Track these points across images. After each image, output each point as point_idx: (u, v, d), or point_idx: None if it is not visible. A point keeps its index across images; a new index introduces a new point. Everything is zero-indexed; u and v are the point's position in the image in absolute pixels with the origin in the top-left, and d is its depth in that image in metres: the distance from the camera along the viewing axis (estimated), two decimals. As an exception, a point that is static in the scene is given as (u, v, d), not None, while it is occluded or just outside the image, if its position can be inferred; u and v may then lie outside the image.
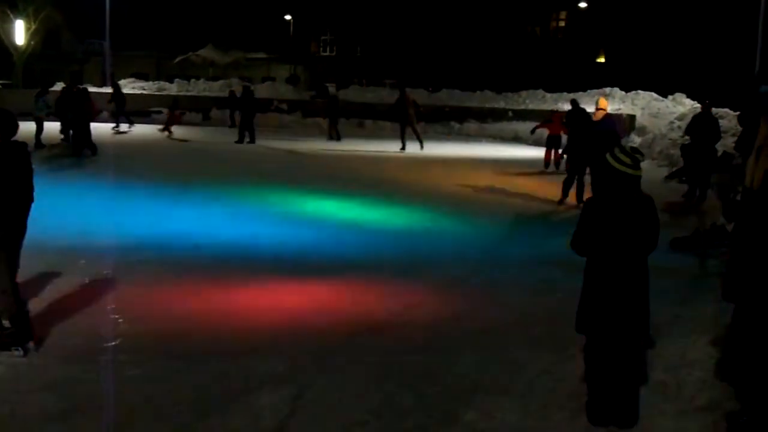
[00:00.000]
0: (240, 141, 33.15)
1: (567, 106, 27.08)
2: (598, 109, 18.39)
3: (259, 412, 6.97)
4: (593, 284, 6.62)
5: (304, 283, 11.36)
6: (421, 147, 31.80)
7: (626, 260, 6.55)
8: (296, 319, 9.71)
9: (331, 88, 47.59)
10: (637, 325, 6.66)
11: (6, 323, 8.14)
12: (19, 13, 65.92)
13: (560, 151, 25.58)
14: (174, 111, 35.02)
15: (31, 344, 8.27)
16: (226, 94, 42.54)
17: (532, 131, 30.35)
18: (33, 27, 66.65)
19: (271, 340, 8.92)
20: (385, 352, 8.60)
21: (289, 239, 14.24)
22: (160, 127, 34.71)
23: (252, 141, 33.21)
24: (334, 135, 36.34)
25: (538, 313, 9.98)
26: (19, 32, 63.47)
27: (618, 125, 18.72)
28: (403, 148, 32.12)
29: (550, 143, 27.42)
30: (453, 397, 7.38)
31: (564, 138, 25.50)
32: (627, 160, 6.49)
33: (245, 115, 34.27)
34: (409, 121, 32.30)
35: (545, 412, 7.08)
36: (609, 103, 33.94)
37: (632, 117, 33.71)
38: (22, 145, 8.30)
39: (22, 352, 8.14)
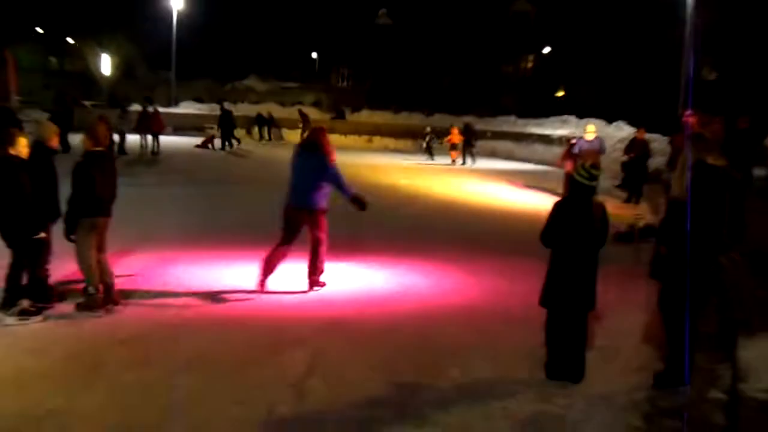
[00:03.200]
0: (222, 148, 34.30)
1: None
2: (587, 131, 20.12)
3: (286, 367, 6.99)
4: (555, 269, 6.77)
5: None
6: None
7: (582, 252, 6.70)
8: (317, 293, 9.71)
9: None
10: (587, 301, 6.76)
11: (91, 290, 8.30)
12: (105, 49, 66.31)
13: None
14: (212, 137, 35.26)
15: (112, 307, 8.39)
16: (265, 114, 42.85)
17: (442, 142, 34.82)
18: (116, 60, 67.00)
19: (297, 309, 8.95)
20: (387, 322, 8.61)
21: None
22: (199, 143, 34.83)
23: (225, 147, 34.49)
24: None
25: (511, 291, 9.96)
26: (106, 65, 63.73)
27: (602, 144, 20.14)
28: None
29: (452, 148, 33.29)
30: (440, 358, 7.39)
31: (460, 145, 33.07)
32: (584, 173, 6.75)
33: (224, 129, 35.26)
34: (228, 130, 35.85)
35: (512, 370, 7.10)
36: (567, 128, 34.11)
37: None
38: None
39: (101, 313, 8.26)
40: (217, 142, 34.45)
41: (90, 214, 8.31)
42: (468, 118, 40.37)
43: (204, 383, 6.59)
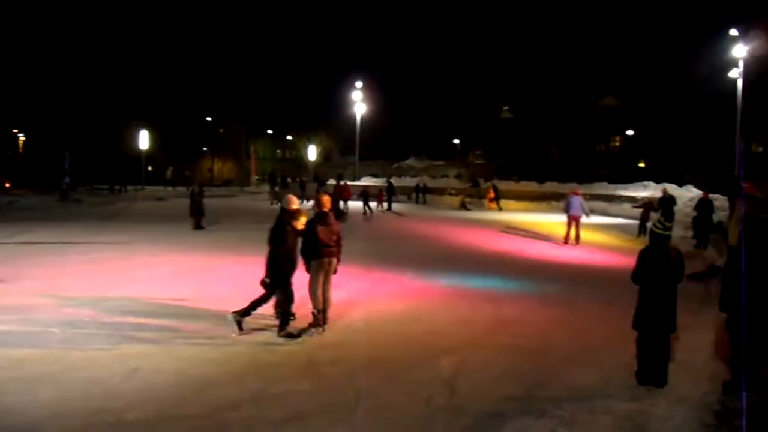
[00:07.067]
0: (389, 209, 33.27)
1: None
2: (574, 192, 20.67)
3: (440, 369, 6.98)
4: (644, 300, 6.49)
5: (464, 295, 11.22)
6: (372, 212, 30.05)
7: (663, 287, 6.40)
8: (460, 316, 9.62)
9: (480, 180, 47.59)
10: (669, 325, 6.44)
11: (314, 311, 8.44)
12: (311, 142, 69.37)
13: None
14: (382, 193, 34.89)
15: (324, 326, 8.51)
16: (421, 185, 43.17)
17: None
18: (318, 149, 69.90)
19: (445, 329, 8.86)
20: (511, 337, 8.42)
21: (444, 268, 14.07)
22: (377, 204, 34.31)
23: (389, 208, 33.28)
24: (465, 207, 35.95)
25: (608, 317, 9.56)
26: (312, 153, 66.50)
27: (582, 201, 20.12)
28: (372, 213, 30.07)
29: (490, 201, 35.90)
30: (553, 366, 7.18)
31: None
32: (659, 226, 6.64)
33: (389, 195, 34.31)
34: (382, 198, 33.74)
35: (611, 376, 6.80)
36: (648, 191, 32.50)
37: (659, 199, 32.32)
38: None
39: (320, 329, 8.40)
40: (385, 205, 34.64)
41: (317, 256, 8.43)
42: (495, 181, 41.84)
43: (381, 378, 6.66)
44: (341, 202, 30.28)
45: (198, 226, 20.62)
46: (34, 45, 68.04)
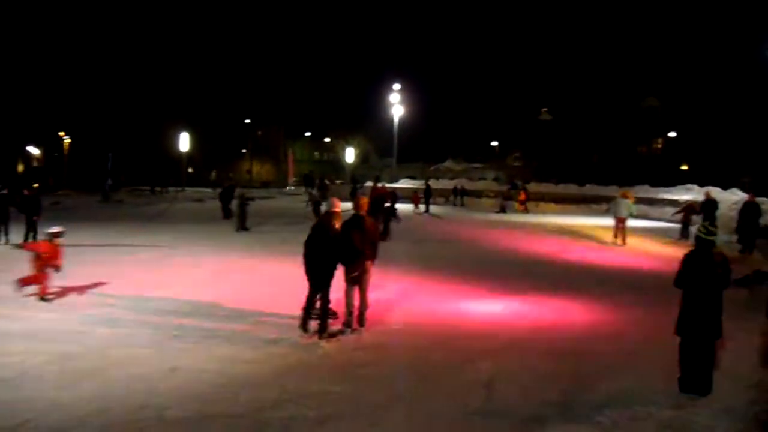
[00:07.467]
0: (426, 211, 32.71)
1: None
2: (624, 194, 20.71)
3: (477, 372, 6.93)
4: (687, 305, 6.40)
5: (503, 301, 11.11)
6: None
7: (707, 291, 6.30)
8: (498, 319, 9.54)
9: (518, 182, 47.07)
10: (714, 331, 6.30)
11: (346, 312, 8.42)
12: (349, 144, 69.68)
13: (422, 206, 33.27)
14: (417, 196, 34.82)
15: (359, 327, 8.49)
16: (459, 187, 42.89)
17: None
18: (356, 151, 70.17)
19: (483, 332, 8.81)
20: (550, 342, 8.30)
21: (486, 271, 13.98)
22: (413, 206, 34.03)
23: (427, 211, 32.79)
24: (503, 209, 35.15)
25: (649, 322, 9.37)
26: (350, 155, 66.76)
27: (630, 203, 19.98)
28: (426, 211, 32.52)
29: (520, 203, 35.12)
30: (593, 372, 7.06)
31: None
32: (703, 230, 6.56)
33: (426, 198, 33.82)
34: (418, 200, 33.82)
35: (653, 384, 6.65)
36: (691, 194, 31.90)
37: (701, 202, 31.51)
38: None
39: (350, 330, 8.38)
40: (422, 207, 34.41)
41: (351, 260, 8.29)
42: (532, 184, 41.98)
43: (417, 380, 6.65)
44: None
45: (243, 228, 20.85)
46: (79, 50, 69.76)
